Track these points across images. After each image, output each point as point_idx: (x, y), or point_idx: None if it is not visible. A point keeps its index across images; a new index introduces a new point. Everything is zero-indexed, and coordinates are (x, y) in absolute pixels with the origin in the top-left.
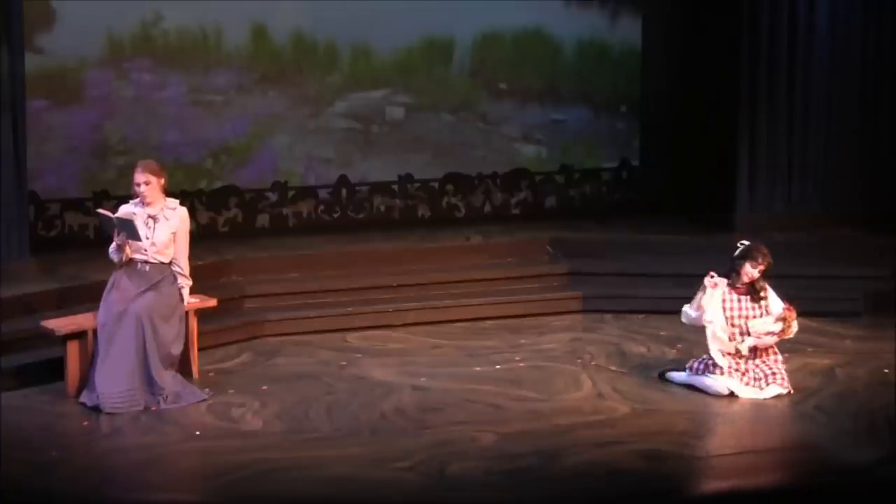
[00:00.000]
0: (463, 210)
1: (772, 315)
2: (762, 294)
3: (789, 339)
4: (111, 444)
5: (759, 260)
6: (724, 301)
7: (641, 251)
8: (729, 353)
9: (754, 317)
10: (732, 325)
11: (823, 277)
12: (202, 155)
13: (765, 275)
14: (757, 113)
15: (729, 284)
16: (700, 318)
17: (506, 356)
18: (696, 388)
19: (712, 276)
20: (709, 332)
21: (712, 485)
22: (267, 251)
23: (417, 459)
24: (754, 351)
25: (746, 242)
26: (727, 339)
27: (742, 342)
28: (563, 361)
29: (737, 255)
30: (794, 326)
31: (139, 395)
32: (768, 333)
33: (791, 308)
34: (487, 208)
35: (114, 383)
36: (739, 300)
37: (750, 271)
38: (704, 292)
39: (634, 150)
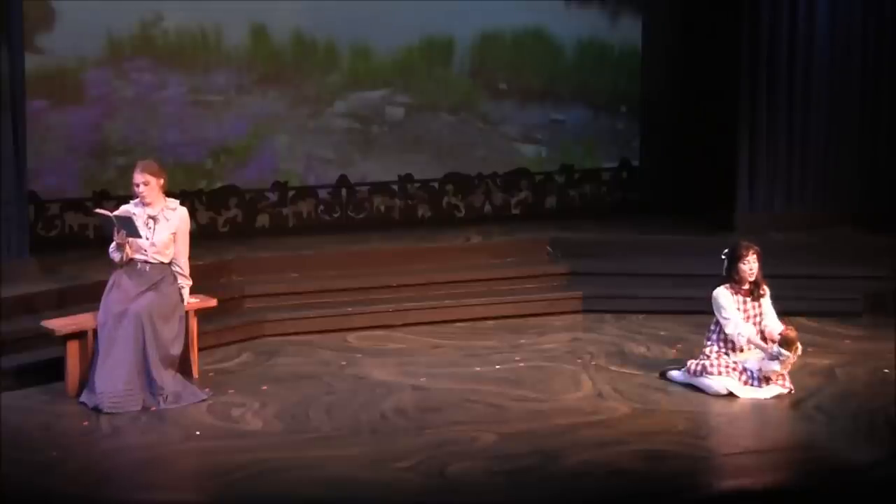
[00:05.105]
0: (463, 210)
1: (774, 349)
2: (760, 291)
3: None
4: (111, 444)
5: (745, 253)
6: (737, 306)
7: (641, 251)
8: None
9: (758, 315)
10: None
11: (823, 277)
12: (202, 155)
13: (764, 273)
14: (757, 113)
15: (733, 289)
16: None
17: (506, 356)
18: (696, 388)
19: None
20: (741, 340)
21: (713, 485)
22: (267, 251)
23: (417, 459)
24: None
25: (727, 249)
26: (747, 348)
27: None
28: (563, 361)
29: (727, 264)
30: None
31: (139, 394)
32: (779, 362)
33: (788, 330)
34: (487, 208)
35: (114, 383)
36: (745, 301)
37: (746, 268)
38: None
39: (634, 150)
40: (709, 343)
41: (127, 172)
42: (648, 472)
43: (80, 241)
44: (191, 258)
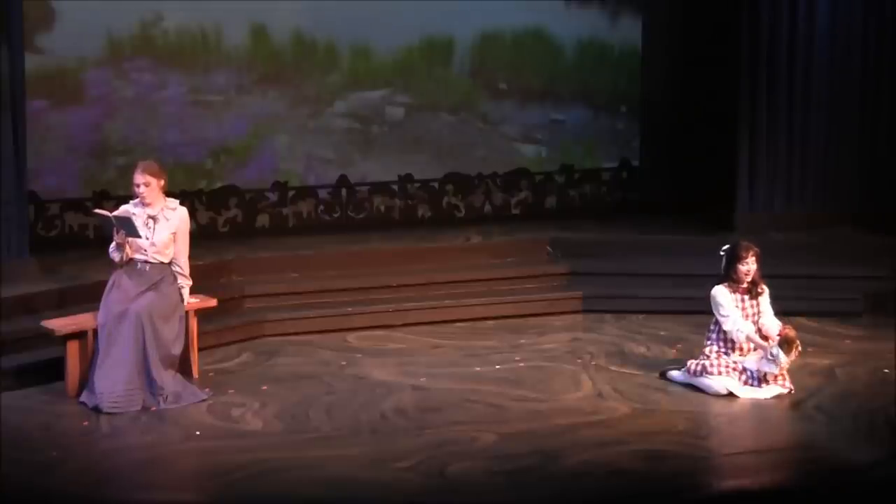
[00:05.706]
0: (463, 210)
1: (772, 347)
2: (759, 290)
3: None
4: (111, 444)
5: (744, 254)
6: (735, 304)
7: (641, 251)
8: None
9: (756, 314)
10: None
11: (823, 277)
12: (202, 155)
13: (764, 273)
14: (757, 113)
15: (730, 287)
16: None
17: (506, 356)
18: (696, 388)
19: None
20: (740, 337)
21: (713, 485)
22: (267, 251)
23: (417, 459)
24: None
25: (727, 247)
26: (747, 346)
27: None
28: (563, 361)
29: (725, 264)
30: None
31: (139, 394)
32: (776, 364)
33: (787, 330)
34: (487, 208)
35: (113, 383)
36: (743, 300)
37: (744, 269)
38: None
39: (634, 150)
40: (709, 343)
41: (127, 172)
42: (648, 472)
43: (80, 241)
44: (191, 258)
